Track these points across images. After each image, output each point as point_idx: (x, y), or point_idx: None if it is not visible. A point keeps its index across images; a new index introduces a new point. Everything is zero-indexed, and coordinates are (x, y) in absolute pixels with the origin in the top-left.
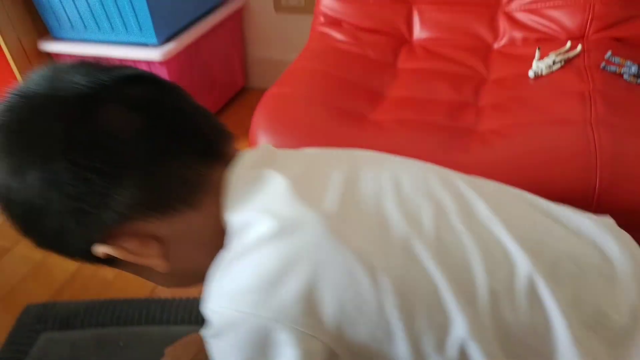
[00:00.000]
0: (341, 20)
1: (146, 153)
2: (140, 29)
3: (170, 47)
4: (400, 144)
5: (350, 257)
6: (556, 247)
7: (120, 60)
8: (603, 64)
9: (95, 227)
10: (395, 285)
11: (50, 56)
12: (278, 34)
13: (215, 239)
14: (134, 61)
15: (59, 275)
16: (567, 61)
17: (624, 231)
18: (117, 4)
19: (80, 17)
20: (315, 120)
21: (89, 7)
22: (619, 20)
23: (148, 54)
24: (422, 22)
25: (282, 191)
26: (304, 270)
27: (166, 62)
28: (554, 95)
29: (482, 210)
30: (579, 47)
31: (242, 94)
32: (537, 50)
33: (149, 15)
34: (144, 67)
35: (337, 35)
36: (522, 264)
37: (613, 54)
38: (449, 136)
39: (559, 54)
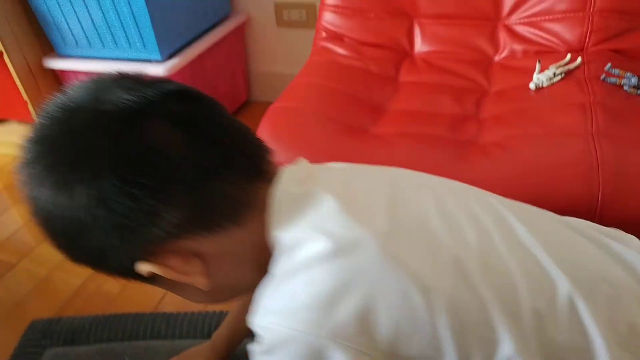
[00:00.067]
0: (342, 35)
1: (192, 169)
2: (144, 45)
3: (174, 62)
4: (402, 157)
5: (404, 277)
6: (591, 269)
7: None
8: (603, 75)
9: (140, 244)
10: (448, 304)
11: (55, 73)
12: (280, 49)
13: (257, 255)
14: None
15: (63, 291)
16: (568, 73)
17: None
18: (121, 21)
19: (85, 34)
20: (318, 134)
21: (93, 24)
22: (618, 33)
23: (152, 70)
24: (423, 35)
25: (333, 210)
26: (360, 292)
27: (170, 78)
28: (555, 107)
29: (520, 231)
30: (579, 59)
31: (245, 107)
32: (537, 63)
33: (152, 31)
34: None
35: (339, 49)
36: (562, 285)
37: (613, 66)
38: (451, 149)
39: (559, 66)
